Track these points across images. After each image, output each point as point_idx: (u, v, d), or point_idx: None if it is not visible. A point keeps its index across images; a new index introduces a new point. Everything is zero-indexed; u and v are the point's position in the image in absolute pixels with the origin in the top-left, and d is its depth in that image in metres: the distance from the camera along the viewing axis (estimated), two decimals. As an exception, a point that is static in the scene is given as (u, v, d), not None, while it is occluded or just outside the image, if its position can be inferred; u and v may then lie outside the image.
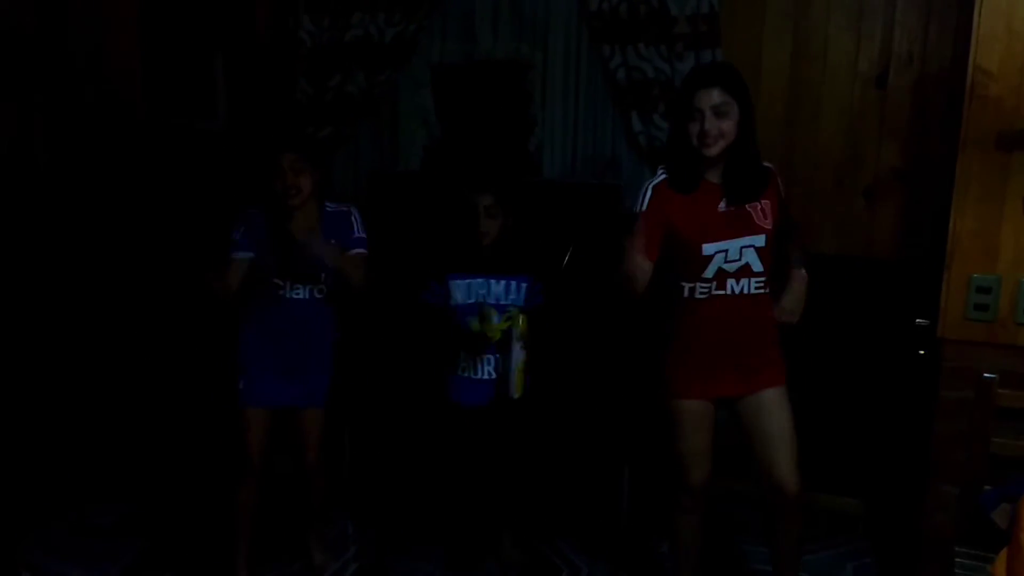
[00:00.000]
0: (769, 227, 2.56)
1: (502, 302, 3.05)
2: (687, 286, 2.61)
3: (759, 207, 2.57)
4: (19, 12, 3.51)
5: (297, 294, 3.01)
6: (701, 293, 2.59)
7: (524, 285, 3.06)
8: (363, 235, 3.06)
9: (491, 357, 3.07)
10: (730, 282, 2.57)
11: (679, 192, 2.58)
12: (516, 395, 2.95)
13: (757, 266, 2.56)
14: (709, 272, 2.57)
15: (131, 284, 3.93)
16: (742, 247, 2.55)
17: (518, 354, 2.93)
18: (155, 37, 3.92)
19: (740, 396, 2.66)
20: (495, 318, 2.99)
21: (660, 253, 2.58)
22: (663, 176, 2.62)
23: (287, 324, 3.02)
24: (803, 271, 2.66)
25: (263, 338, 3.04)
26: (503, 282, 3.06)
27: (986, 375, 2.52)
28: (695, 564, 2.90)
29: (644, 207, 2.60)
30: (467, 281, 3.05)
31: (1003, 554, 2.24)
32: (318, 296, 3.01)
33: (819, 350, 3.49)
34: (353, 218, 3.04)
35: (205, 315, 3.76)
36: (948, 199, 2.53)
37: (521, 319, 2.95)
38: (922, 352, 2.73)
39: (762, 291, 2.59)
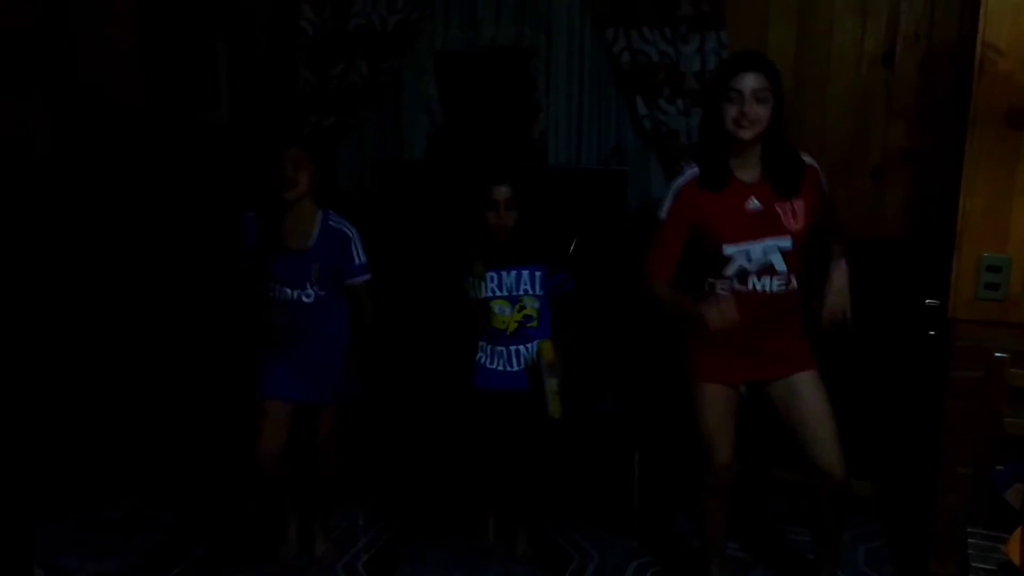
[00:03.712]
0: (798, 229, 2.54)
1: (514, 293, 3.04)
2: (709, 281, 2.63)
3: (789, 207, 2.55)
4: (20, 6, 3.51)
5: (286, 295, 3.02)
6: (722, 289, 2.59)
7: (539, 274, 3.05)
8: (364, 261, 3.08)
9: (503, 350, 3.08)
10: (752, 279, 2.58)
11: (708, 189, 2.57)
12: (556, 416, 2.93)
13: (781, 266, 2.56)
14: (730, 271, 2.57)
15: (137, 278, 3.93)
16: (766, 249, 2.55)
17: (548, 382, 2.91)
18: (156, 28, 3.92)
19: (769, 380, 2.67)
20: (501, 309, 2.99)
21: (684, 249, 2.65)
22: (691, 175, 2.62)
23: (288, 322, 3.05)
24: (843, 264, 2.64)
25: (272, 333, 3.08)
26: (514, 272, 3.04)
27: (997, 354, 2.50)
28: (722, 546, 2.93)
29: (666, 215, 2.64)
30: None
31: (1017, 534, 2.22)
32: (306, 300, 3.01)
33: (827, 331, 3.47)
34: (353, 244, 3.04)
35: (212, 309, 3.78)
36: (957, 178, 2.51)
37: (547, 346, 2.93)
38: (932, 332, 2.71)
39: (783, 289, 2.58)
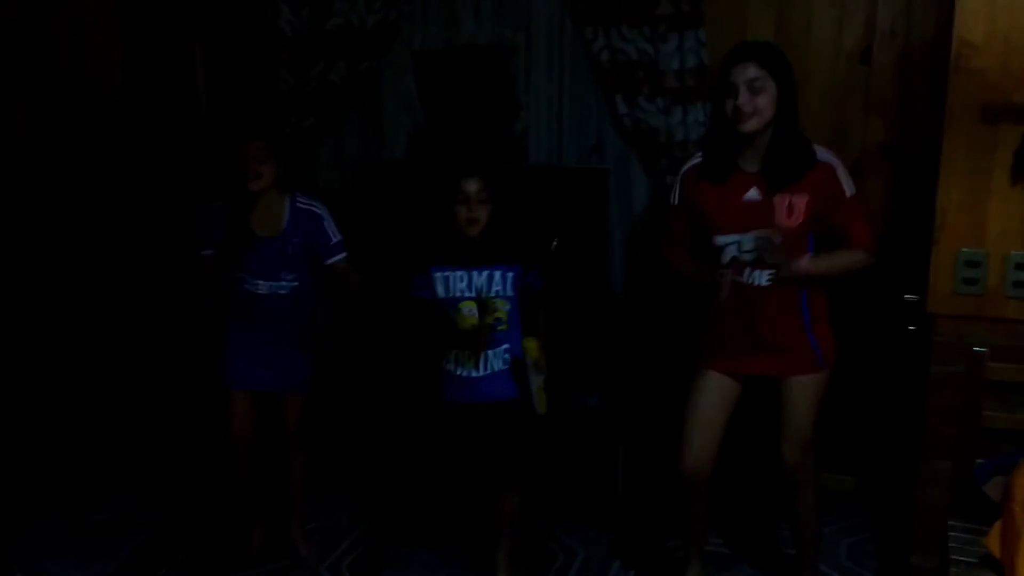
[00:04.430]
0: (792, 225, 2.52)
1: (484, 294, 2.92)
2: (711, 269, 2.68)
3: (787, 201, 2.52)
4: (-2, 7, 3.48)
5: (259, 288, 3.01)
6: (720, 279, 2.64)
7: (511, 275, 2.94)
8: (339, 238, 3.08)
9: (471, 353, 2.97)
10: (746, 270, 2.60)
11: (708, 180, 2.59)
12: (541, 411, 2.91)
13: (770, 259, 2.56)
14: (724, 259, 2.61)
15: (117, 279, 3.91)
16: (757, 239, 2.56)
17: (534, 380, 2.89)
18: (135, 29, 3.89)
19: (773, 379, 2.68)
20: (470, 310, 2.89)
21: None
22: (696, 161, 2.65)
23: (257, 313, 3.05)
24: (807, 263, 2.56)
25: (238, 325, 3.10)
26: (485, 273, 2.93)
27: (976, 349, 2.52)
28: (700, 541, 2.98)
29: (675, 201, 2.71)
30: (446, 274, 2.91)
31: (996, 527, 2.24)
32: (282, 293, 3.01)
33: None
34: (325, 222, 3.05)
35: (192, 308, 3.76)
36: (935, 174, 2.52)
37: (532, 344, 2.89)
38: (912, 327, 2.73)
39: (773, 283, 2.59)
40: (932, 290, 2.55)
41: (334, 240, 3.07)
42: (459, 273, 2.93)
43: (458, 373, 2.96)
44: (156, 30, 3.94)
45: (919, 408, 2.66)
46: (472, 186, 2.86)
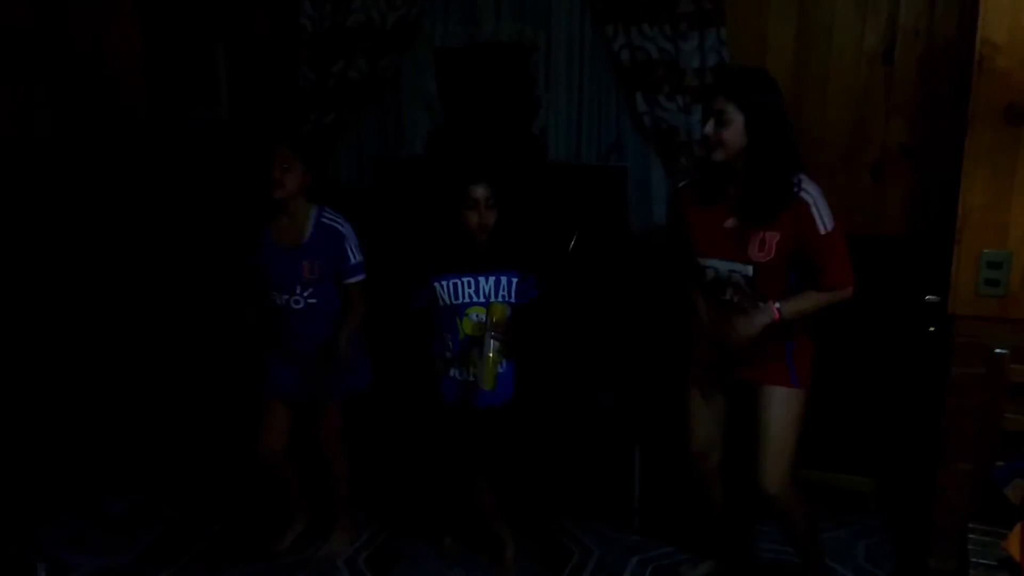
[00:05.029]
0: (763, 260, 2.52)
1: (492, 299, 2.94)
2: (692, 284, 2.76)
3: (760, 236, 2.51)
4: (19, 5, 3.50)
5: (277, 300, 3.03)
6: (706, 292, 2.70)
7: (515, 280, 2.96)
8: (359, 259, 3.05)
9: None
10: (728, 291, 2.65)
11: (699, 203, 2.62)
12: (486, 388, 2.80)
13: (745, 288, 2.61)
14: (707, 279, 2.66)
15: (140, 277, 3.93)
16: (730, 270, 2.60)
17: (489, 345, 2.81)
18: (156, 26, 3.91)
19: (752, 384, 2.69)
20: (478, 316, 2.91)
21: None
22: (689, 180, 2.70)
23: (280, 326, 3.07)
24: (774, 311, 2.53)
25: (271, 335, 3.12)
26: (492, 279, 2.94)
27: (997, 350, 2.50)
28: (718, 529, 3.05)
29: (670, 214, 2.80)
30: (453, 280, 2.92)
31: (1017, 529, 2.23)
32: (295, 306, 3.01)
33: (827, 328, 3.47)
34: (347, 243, 3.02)
35: (212, 305, 3.78)
36: (957, 174, 2.50)
37: (496, 309, 2.85)
38: (932, 329, 2.71)
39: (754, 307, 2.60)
40: (954, 291, 2.53)
41: (353, 261, 3.03)
42: (466, 279, 2.93)
43: (459, 377, 2.99)
44: (177, 27, 3.96)
45: (939, 409, 2.65)
46: (481, 192, 2.86)
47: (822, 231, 2.47)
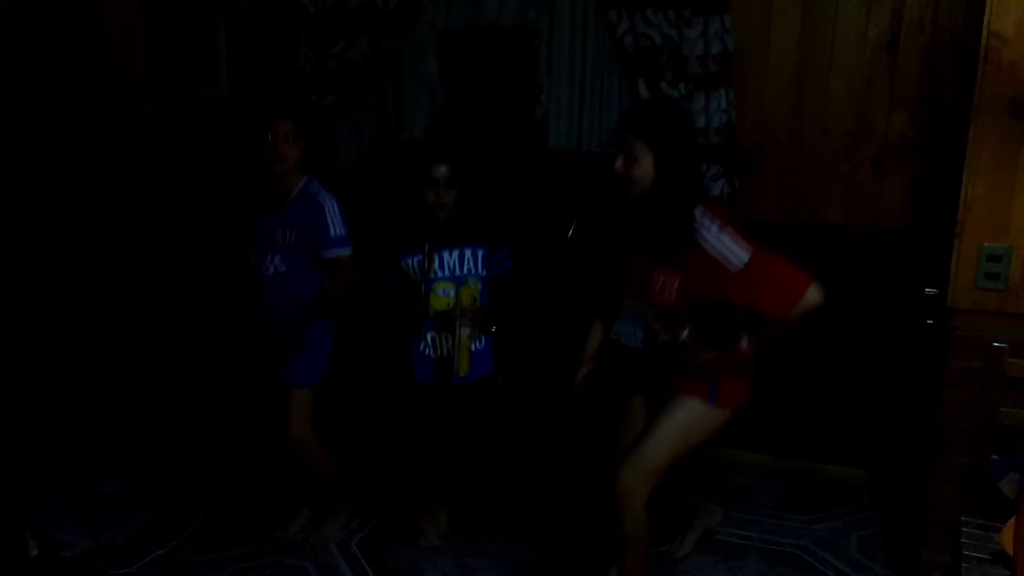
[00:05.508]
0: (667, 302, 2.42)
1: (458, 273, 2.97)
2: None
3: (661, 278, 2.42)
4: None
5: (254, 264, 3.01)
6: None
7: (480, 253, 2.98)
8: (342, 233, 2.95)
9: (447, 335, 2.98)
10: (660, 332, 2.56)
11: (617, 237, 2.61)
12: (461, 374, 2.86)
13: (651, 323, 2.54)
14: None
15: (136, 258, 3.92)
16: (644, 310, 2.59)
17: (459, 332, 2.85)
18: (157, 4, 3.88)
19: (670, 394, 2.58)
20: (445, 291, 2.94)
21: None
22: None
23: (261, 296, 3.05)
24: (708, 356, 2.40)
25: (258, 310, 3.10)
26: (456, 252, 2.96)
27: (995, 344, 2.50)
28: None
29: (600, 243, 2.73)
30: (416, 257, 2.94)
31: (1010, 524, 2.23)
32: (266, 274, 2.98)
33: (825, 319, 3.46)
34: (329, 216, 2.93)
35: (211, 288, 3.77)
36: (959, 167, 2.49)
37: (464, 293, 2.88)
38: (931, 321, 2.71)
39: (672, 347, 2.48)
40: (953, 284, 2.52)
41: (333, 233, 2.94)
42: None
43: (432, 355, 2.99)
44: (178, 5, 3.93)
45: (934, 402, 2.64)
46: (441, 172, 2.88)
47: (736, 266, 2.28)
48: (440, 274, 2.96)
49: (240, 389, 3.54)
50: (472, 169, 2.95)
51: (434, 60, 3.88)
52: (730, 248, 2.29)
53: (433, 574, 3.08)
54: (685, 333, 2.38)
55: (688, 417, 2.50)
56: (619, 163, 2.40)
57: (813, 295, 2.32)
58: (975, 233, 2.48)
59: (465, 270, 2.97)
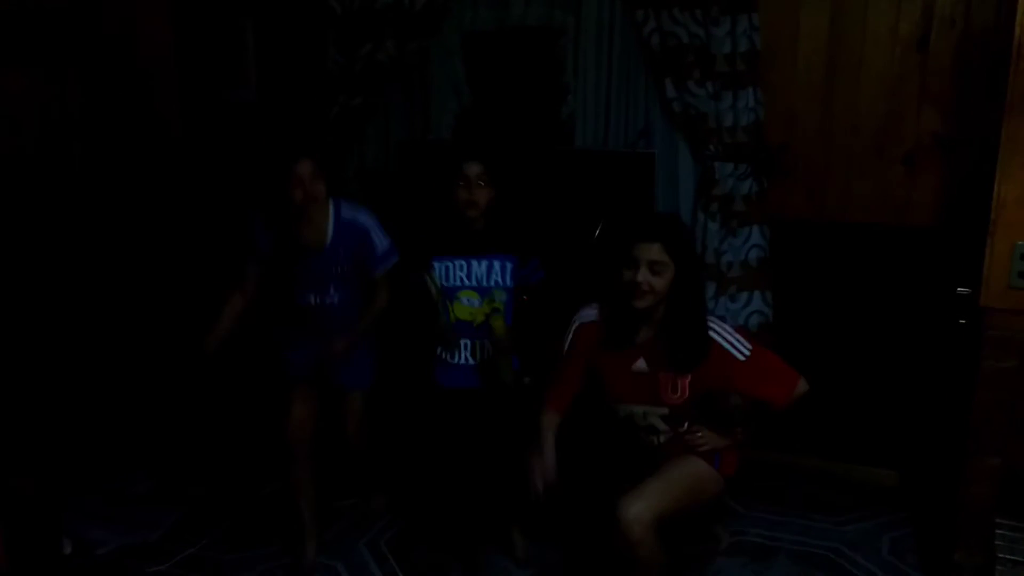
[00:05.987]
0: (679, 402, 2.57)
1: (484, 284, 2.95)
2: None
3: (672, 380, 2.54)
4: (51, -15, 3.52)
5: (309, 300, 3.01)
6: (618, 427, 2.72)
7: (510, 265, 2.95)
8: (387, 244, 2.99)
9: (467, 342, 2.98)
10: (641, 431, 2.67)
11: (609, 347, 2.60)
12: (506, 380, 2.90)
13: (662, 427, 2.64)
14: (621, 414, 2.68)
15: (167, 261, 3.95)
16: (646, 412, 2.64)
17: (499, 360, 2.88)
18: (186, 6, 3.92)
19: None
20: (469, 300, 2.94)
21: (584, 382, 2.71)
22: (591, 317, 2.66)
23: (307, 323, 3.06)
24: (738, 436, 2.70)
25: (290, 328, 3.11)
26: (485, 262, 2.95)
27: (1030, 344, 2.47)
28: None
29: (567, 349, 2.68)
30: (446, 263, 2.93)
31: (1045, 526, 2.21)
32: (328, 304, 3.00)
33: (856, 319, 3.45)
34: (372, 233, 2.97)
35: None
36: (991, 165, 2.46)
37: (496, 323, 2.85)
38: (963, 321, 2.68)
39: (673, 437, 2.65)
40: (986, 283, 2.50)
41: (380, 251, 2.98)
42: (459, 262, 2.94)
43: (452, 361, 3.00)
44: (207, 7, 3.97)
45: (967, 402, 2.62)
46: (473, 169, 2.86)
47: (743, 358, 2.53)
48: (466, 282, 2.95)
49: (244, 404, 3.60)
50: (504, 172, 2.92)
51: (460, 61, 3.88)
52: (735, 338, 2.55)
53: (458, 574, 3.09)
54: (685, 426, 2.64)
55: (696, 471, 2.60)
56: (642, 275, 2.45)
57: (803, 385, 2.61)
58: (1008, 232, 2.45)
59: (492, 281, 2.95)
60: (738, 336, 2.57)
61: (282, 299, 3.08)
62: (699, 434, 2.63)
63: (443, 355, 3.02)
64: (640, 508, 2.40)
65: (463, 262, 2.95)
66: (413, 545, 3.24)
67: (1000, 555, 2.32)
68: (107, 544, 3.24)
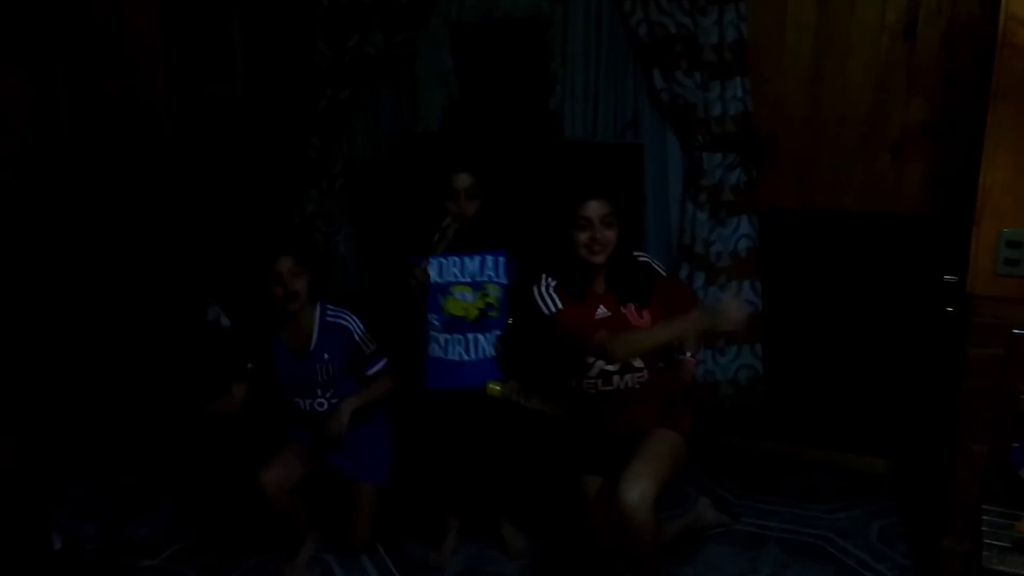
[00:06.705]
0: (647, 324, 2.63)
1: (478, 279, 2.96)
2: (574, 381, 2.72)
3: (634, 310, 2.65)
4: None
5: (300, 406, 3.02)
6: (588, 388, 2.70)
7: (502, 259, 2.96)
8: (373, 347, 3.03)
9: (461, 337, 2.97)
10: (615, 378, 2.67)
11: (570, 300, 2.63)
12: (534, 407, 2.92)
13: (638, 362, 2.66)
14: (593, 372, 2.67)
15: (158, 260, 3.94)
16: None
17: (524, 402, 2.90)
18: (173, 0, 3.90)
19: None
20: (463, 295, 2.94)
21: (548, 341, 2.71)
22: (554, 281, 2.64)
23: (307, 425, 3.05)
24: (691, 358, 2.91)
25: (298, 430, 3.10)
26: (477, 258, 2.96)
27: (1016, 331, 2.47)
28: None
29: (559, 306, 2.62)
30: (439, 260, 2.94)
31: (1032, 512, 2.22)
32: (319, 409, 3.00)
33: (844, 308, 3.46)
34: (356, 336, 3.00)
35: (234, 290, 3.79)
36: (978, 153, 2.47)
37: (494, 388, 2.87)
38: (950, 309, 2.69)
39: (644, 379, 2.70)
40: (972, 271, 2.50)
41: (368, 352, 3.02)
42: (452, 258, 2.95)
43: (446, 358, 2.98)
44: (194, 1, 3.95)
45: (954, 390, 2.63)
46: (463, 182, 2.87)
47: (664, 274, 2.79)
48: (460, 278, 2.96)
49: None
50: (494, 175, 2.93)
51: (448, 53, 3.87)
52: (654, 260, 2.78)
53: (453, 569, 3.09)
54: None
55: (673, 442, 2.66)
56: (600, 233, 2.54)
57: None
58: (994, 219, 2.45)
59: (485, 276, 2.96)
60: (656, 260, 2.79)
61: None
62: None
63: (437, 352, 2.99)
64: (640, 492, 2.45)
65: (456, 258, 2.95)
66: (404, 538, 3.24)
67: (987, 541, 2.32)
68: (97, 539, 3.24)
